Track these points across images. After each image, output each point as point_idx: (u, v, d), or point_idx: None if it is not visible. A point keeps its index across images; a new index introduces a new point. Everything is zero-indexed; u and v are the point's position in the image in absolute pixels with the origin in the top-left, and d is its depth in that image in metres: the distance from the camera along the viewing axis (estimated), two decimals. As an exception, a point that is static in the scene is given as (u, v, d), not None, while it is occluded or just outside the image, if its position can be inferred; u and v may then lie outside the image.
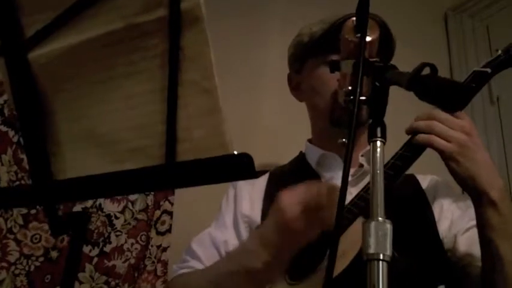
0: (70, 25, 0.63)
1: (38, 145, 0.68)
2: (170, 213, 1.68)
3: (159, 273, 1.60)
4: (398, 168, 1.01)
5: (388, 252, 0.65)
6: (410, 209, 1.18)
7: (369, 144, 0.79)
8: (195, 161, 0.60)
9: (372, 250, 0.66)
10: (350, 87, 0.89)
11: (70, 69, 0.66)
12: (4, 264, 1.40)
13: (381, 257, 0.64)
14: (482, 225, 0.99)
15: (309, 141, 1.39)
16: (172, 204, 1.68)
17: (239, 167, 0.58)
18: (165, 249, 1.63)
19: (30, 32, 0.65)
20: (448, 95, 0.68)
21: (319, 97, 1.28)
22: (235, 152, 0.58)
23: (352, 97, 0.84)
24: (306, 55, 1.31)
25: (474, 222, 1.12)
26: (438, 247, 1.14)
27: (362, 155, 1.27)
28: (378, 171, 0.74)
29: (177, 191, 1.71)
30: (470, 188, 0.98)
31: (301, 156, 1.38)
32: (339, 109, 1.21)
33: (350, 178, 1.23)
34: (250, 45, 1.89)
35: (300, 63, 1.34)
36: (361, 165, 1.25)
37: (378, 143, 0.78)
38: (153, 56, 0.61)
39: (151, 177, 0.63)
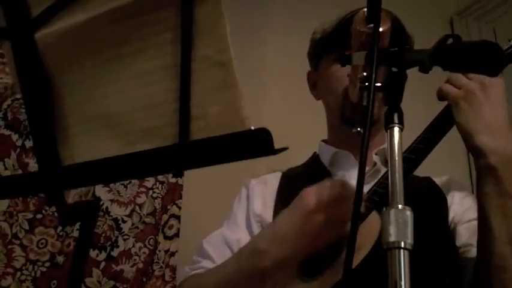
0: (77, 2, 0.61)
1: (45, 130, 0.66)
2: (178, 218, 1.65)
3: (167, 278, 1.57)
4: (419, 151, 0.98)
5: (410, 240, 0.63)
6: (426, 204, 1.15)
7: (386, 131, 0.76)
8: (210, 139, 0.57)
9: (392, 238, 0.63)
10: (365, 73, 0.87)
11: (78, 48, 0.64)
12: (10, 270, 1.37)
13: (402, 245, 0.62)
14: (478, 194, 0.93)
15: (324, 141, 1.36)
16: (180, 208, 1.65)
17: (257, 144, 0.55)
18: (173, 254, 1.60)
19: (37, 11, 0.63)
20: (484, 53, 0.64)
21: (331, 95, 1.26)
22: (253, 128, 0.55)
23: (367, 83, 0.81)
24: (320, 53, 1.30)
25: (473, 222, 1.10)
26: (449, 240, 1.11)
27: (376, 154, 1.24)
28: (397, 158, 0.71)
29: (185, 195, 1.68)
30: (469, 145, 0.92)
31: (315, 157, 1.36)
32: (349, 106, 1.18)
33: (363, 176, 1.20)
34: (250, 44, 1.87)
35: (316, 62, 1.33)
36: (375, 164, 1.22)
37: (396, 129, 0.75)
38: (164, 31, 0.59)
39: (164, 158, 0.59)
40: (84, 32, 0.62)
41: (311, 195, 0.91)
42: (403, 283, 0.61)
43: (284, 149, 0.62)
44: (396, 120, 0.75)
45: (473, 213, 1.11)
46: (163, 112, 0.60)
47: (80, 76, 0.65)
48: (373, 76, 0.77)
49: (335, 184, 0.91)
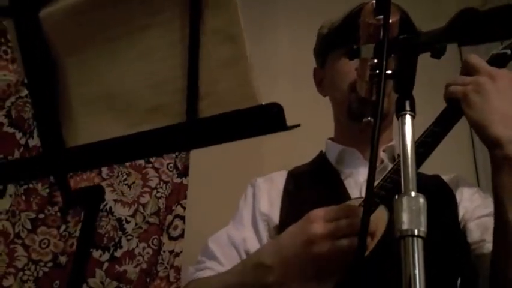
0: (83, -22, 0.60)
1: (49, 112, 0.64)
2: (183, 218, 1.62)
3: (172, 279, 1.54)
4: (427, 144, 0.96)
5: (423, 227, 0.61)
6: (435, 202, 1.13)
7: (398, 118, 0.75)
8: (219, 116, 0.55)
9: (405, 226, 0.61)
10: (375, 60, 0.85)
11: (82, 27, 0.62)
12: (11, 269, 1.35)
13: (416, 232, 0.59)
14: (494, 186, 0.90)
15: (331, 139, 1.34)
16: (184, 208, 1.63)
17: (268, 119, 0.53)
18: (177, 255, 1.58)
19: (41, -11, 0.62)
20: (508, 16, 0.61)
21: (338, 90, 1.24)
22: (263, 103, 0.53)
23: (377, 71, 0.80)
24: (327, 48, 1.28)
25: (489, 210, 1.08)
26: (460, 238, 1.09)
27: (384, 151, 1.22)
28: (409, 146, 0.69)
29: (190, 196, 1.65)
30: (484, 137, 0.90)
31: (321, 155, 1.34)
32: (356, 101, 1.16)
33: (371, 173, 1.19)
34: (258, 39, 1.86)
35: (323, 58, 1.31)
36: (382, 161, 1.20)
37: (407, 117, 0.73)
38: (171, 5, 0.57)
39: (172, 137, 0.58)
40: (90, 10, 0.61)
41: (318, 222, 0.88)
42: (417, 272, 0.59)
43: (296, 125, 0.60)
44: (408, 108, 0.73)
45: (483, 210, 1.10)
46: (171, 90, 0.58)
47: (85, 56, 0.63)
48: (384, 63, 0.76)
49: (344, 211, 0.88)
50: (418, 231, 0.60)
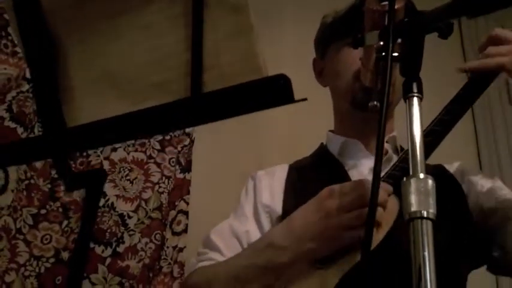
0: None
1: (49, 92, 0.63)
2: (186, 213, 1.60)
3: (175, 274, 1.52)
4: (437, 133, 0.95)
5: (432, 209, 0.59)
6: (441, 192, 1.12)
7: (405, 101, 0.74)
8: (224, 89, 0.53)
9: (414, 208, 0.60)
10: (382, 42, 0.84)
11: (82, 5, 0.61)
12: (13, 265, 1.33)
13: (425, 214, 0.58)
14: None
15: (331, 131, 1.33)
16: (187, 203, 1.61)
17: (275, 92, 0.52)
18: (181, 250, 1.55)
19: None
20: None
21: (341, 79, 1.22)
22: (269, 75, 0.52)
23: (384, 53, 0.79)
24: (330, 38, 1.26)
25: (505, 191, 1.09)
26: (470, 225, 1.09)
27: (387, 141, 1.21)
28: (416, 128, 0.68)
29: (193, 191, 1.64)
30: None
31: (322, 147, 1.32)
32: (360, 90, 1.15)
33: (375, 164, 1.17)
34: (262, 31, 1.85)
35: (324, 48, 1.29)
36: (387, 152, 1.19)
37: (415, 99, 0.73)
38: (175, -23, 0.56)
39: (176, 114, 0.56)
40: (90, -15, 0.59)
41: (331, 196, 0.90)
42: (426, 253, 0.58)
43: (303, 99, 0.59)
44: (415, 90, 0.73)
45: (498, 191, 1.10)
46: (174, 65, 0.56)
47: (85, 35, 0.62)
48: (390, 46, 0.74)
49: (357, 186, 0.89)
50: (427, 213, 0.59)
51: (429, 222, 0.59)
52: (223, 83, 0.54)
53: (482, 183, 1.14)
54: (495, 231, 1.06)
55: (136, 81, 0.59)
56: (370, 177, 1.13)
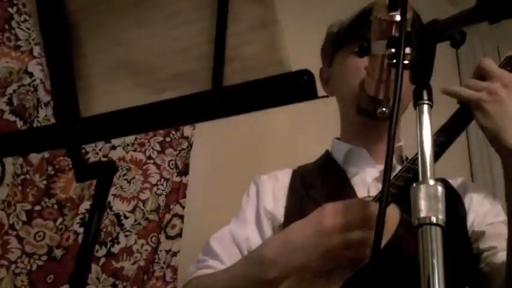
0: None
1: (65, 80, 0.62)
2: (181, 217, 1.59)
3: (168, 279, 1.50)
4: (440, 144, 0.95)
5: (441, 216, 0.59)
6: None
7: (415, 108, 0.73)
8: (246, 83, 0.53)
9: (423, 214, 0.59)
10: (393, 49, 0.84)
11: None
12: (4, 262, 1.30)
13: (434, 220, 0.57)
14: (507, 193, 0.90)
15: (337, 138, 1.33)
16: (183, 207, 1.59)
17: (298, 87, 0.51)
18: (175, 254, 1.54)
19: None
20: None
21: (347, 86, 1.22)
22: (293, 70, 0.52)
23: (395, 61, 0.78)
24: (336, 46, 1.26)
25: (501, 218, 1.08)
26: (467, 244, 1.08)
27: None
28: (426, 135, 0.68)
29: (189, 195, 1.62)
30: (497, 144, 0.89)
31: (327, 154, 1.32)
32: (365, 98, 1.14)
33: (378, 174, 1.17)
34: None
35: (331, 56, 1.29)
36: (391, 162, 1.19)
37: (425, 106, 0.72)
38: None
39: (195, 106, 0.55)
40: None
41: (331, 214, 0.87)
42: (435, 261, 0.57)
43: (325, 96, 0.59)
44: (425, 97, 0.72)
45: (494, 217, 1.09)
46: (196, 55, 0.56)
47: (105, 21, 0.61)
48: (401, 53, 0.74)
49: (358, 205, 0.87)
50: (437, 219, 0.58)
51: (438, 229, 0.58)
52: (244, 76, 0.53)
53: (483, 203, 1.14)
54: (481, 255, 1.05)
55: (156, 71, 0.58)
56: (373, 186, 1.14)
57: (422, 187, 0.60)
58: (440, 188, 0.61)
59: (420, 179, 0.62)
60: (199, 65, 0.55)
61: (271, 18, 0.52)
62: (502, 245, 0.98)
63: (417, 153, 0.97)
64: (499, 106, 0.89)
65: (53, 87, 0.62)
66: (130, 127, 0.59)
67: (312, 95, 0.51)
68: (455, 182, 1.21)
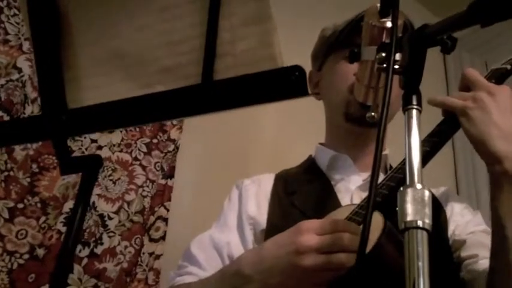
0: None
1: (52, 70, 0.61)
2: (165, 220, 1.57)
3: (150, 282, 1.48)
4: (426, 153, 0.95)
5: (428, 220, 0.59)
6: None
7: (404, 113, 0.74)
8: (236, 78, 0.52)
9: (410, 217, 0.59)
10: (384, 54, 0.84)
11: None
12: (-16, 260, 1.28)
13: (420, 224, 0.57)
14: (493, 202, 0.90)
15: (321, 144, 1.33)
16: (168, 210, 1.58)
17: (289, 83, 0.51)
18: (158, 257, 1.52)
19: None
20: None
21: (336, 92, 1.22)
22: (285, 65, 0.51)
23: (385, 65, 0.79)
24: (328, 51, 1.26)
25: (481, 227, 1.10)
26: (448, 252, 1.08)
27: (377, 159, 1.21)
28: (414, 140, 0.68)
29: (174, 198, 1.61)
30: (482, 149, 0.90)
31: (310, 159, 1.31)
32: (354, 104, 1.15)
33: (361, 182, 1.17)
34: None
35: (321, 60, 1.29)
36: (374, 170, 1.19)
37: (414, 112, 0.73)
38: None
39: (185, 100, 0.55)
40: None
41: (308, 233, 0.85)
42: (421, 263, 0.57)
43: (316, 93, 0.59)
44: (414, 102, 0.73)
45: (475, 226, 1.11)
46: (187, 49, 0.55)
47: (96, 12, 0.60)
48: (392, 57, 0.75)
49: (336, 224, 0.86)
50: (423, 223, 0.58)
51: (424, 233, 0.58)
52: (236, 71, 0.53)
53: (464, 213, 1.15)
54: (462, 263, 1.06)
55: (146, 65, 0.57)
56: (356, 194, 1.14)
57: (410, 191, 0.61)
58: (427, 193, 0.61)
59: (407, 182, 0.63)
60: (191, 59, 0.55)
61: (265, 14, 0.52)
62: (483, 253, 0.99)
63: (401, 163, 0.99)
64: (484, 112, 0.90)
65: (40, 77, 0.61)
66: (118, 120, 0.58)
67: (302, 91, 0.51)
68: (437, 191, 1.22)
